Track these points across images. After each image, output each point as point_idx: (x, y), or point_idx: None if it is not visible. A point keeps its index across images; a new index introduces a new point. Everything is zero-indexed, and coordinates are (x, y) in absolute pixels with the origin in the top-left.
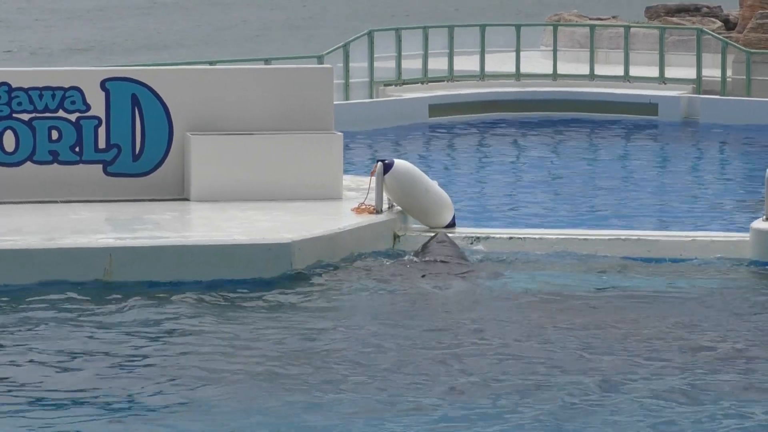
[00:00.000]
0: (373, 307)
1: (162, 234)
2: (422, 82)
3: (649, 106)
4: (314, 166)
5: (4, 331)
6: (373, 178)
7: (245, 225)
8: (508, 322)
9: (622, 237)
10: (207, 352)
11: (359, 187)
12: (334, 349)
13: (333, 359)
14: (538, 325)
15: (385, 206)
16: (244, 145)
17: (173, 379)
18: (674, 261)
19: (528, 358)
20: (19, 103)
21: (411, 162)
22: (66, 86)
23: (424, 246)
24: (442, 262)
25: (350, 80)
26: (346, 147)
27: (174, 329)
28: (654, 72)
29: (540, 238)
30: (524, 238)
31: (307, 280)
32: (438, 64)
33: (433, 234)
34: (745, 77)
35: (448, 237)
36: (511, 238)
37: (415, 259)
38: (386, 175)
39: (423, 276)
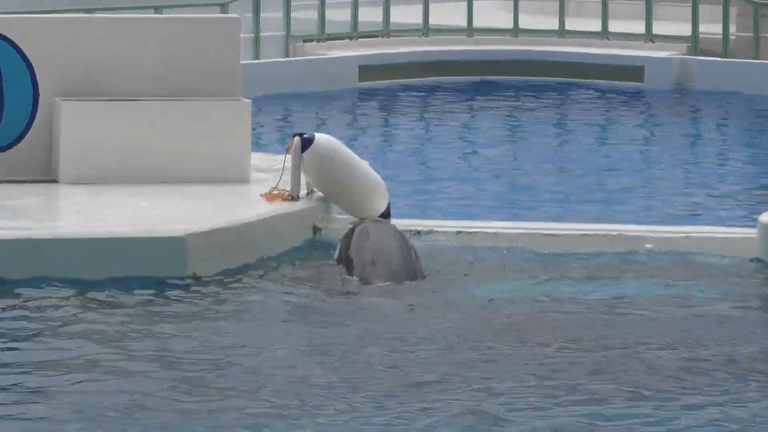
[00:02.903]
0: (283, 319)
1: (22, 224)
2: (351, 38)
3: (633, 70)
4: (216, 142)
5: None
6: (289, 157)
7: (128, 214)
8: (446, 347)
9: (599, 232)
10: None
11: (271, 167)
12: (229, 370)
13: (226, 381)
14: (487, 349)
15: (302, 192)
16: (128, 113)
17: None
18: (663, 261)
19: (469, 394)
20: None
21: (336, 137)
22: None
23: (346, 239)
24: (371, 263)
25: (261, 34)
26: (256, 117)
27: (31, 334)
28: (639, 27)
29: (495, 233)
30: (475, 232)
31: (203, 285)
32: (371, 16)
33: (355, 223)
34: (752, 35)
35: (377, 226)
36: (459, 232)
37: (336, 257)
38: (305, 153)
39: (344, 280)
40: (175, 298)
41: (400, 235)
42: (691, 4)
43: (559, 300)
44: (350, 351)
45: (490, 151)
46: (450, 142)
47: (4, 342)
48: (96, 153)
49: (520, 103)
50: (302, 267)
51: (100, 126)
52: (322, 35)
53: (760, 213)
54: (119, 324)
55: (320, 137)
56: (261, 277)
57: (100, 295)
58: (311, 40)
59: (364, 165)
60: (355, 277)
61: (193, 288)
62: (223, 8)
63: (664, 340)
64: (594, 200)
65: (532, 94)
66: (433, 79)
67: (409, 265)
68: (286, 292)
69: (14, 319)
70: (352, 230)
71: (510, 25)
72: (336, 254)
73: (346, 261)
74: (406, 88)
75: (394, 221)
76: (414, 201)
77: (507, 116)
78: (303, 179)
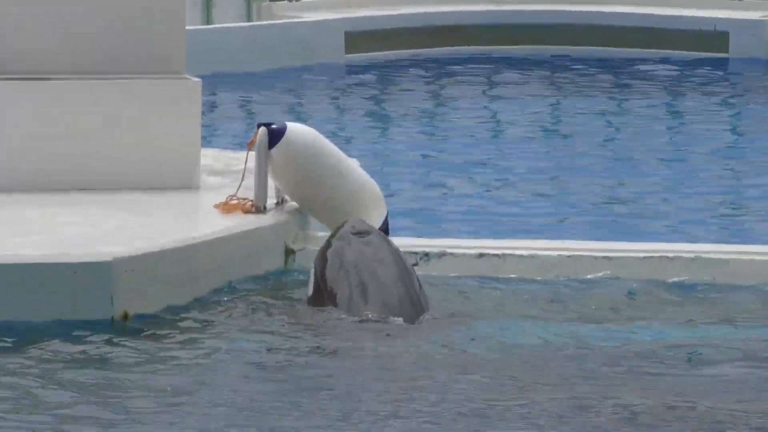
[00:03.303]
0: (244, 376)
1: None
2: None
3: (714, 37)
4: (155, 134)
5: None
6: (252, 154)
7: (40, 231)
8: (464, 411)
9: (667, 254)
10: None
11: (228, 168)
12: None
13: None
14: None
15: (270, 201)
16: (41, 96)
17: None
18: (737, 290)
19: None
20: None
21: (313, 128)
22: None
23: (321, 258)
24: (359, 285)
25: None
26: (208, 102)
27: None
28: None
29: (531, 256)
30: (503, 255)
31: (135, 332)
32: None
33: (337, 229)
34: None
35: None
36: (481, 254)
37: (310, 293)
38: (273, 149)
39: (326, 323)
40: (94, 350)
41: (395, 249)
42: None
43: (611, 351)
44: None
45: (521, 146)
46: (466, 132)
47: None
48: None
49: (557, 82)
50: (269, 304)
51: (4, 114)
52: None
53: None
54: (8, 388)
55: (293, 128)
56: (215, 317)
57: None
58: None
59: (352, 165)
60: (336, 311)
61: (120, 336)
62: None
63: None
64: (653, 216)
65: (571, 69)
66: (443, 50)
67: (409, 288)
68: (249, 340)
69: None
70: (328, 243)
71: None
72: (309, 288)
73: (324, 289)
74: (408, 62)
75: (393, 239)
76: (419, 214)
77: (539, 98)
78: (271, 184)
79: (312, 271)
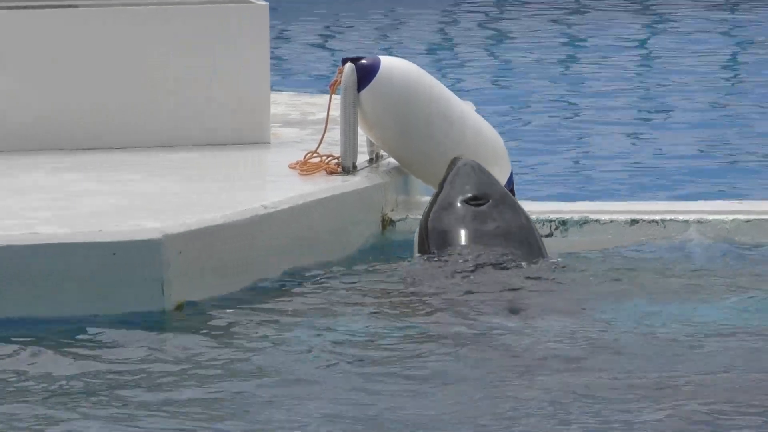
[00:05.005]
0: (338, 371)
1: None
2: None
3: None
4: (210, 75)
5: None
6: (337, 98)
7: (65, 201)
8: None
9: None
10: None
11: (306, 118)
12: None
13: None
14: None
15: (362, 158)
16: (61, 24)
17: None
18: None
19: None
20: None
21: (415, 63)
22: None
23: (428, 226)
24: (492, 264)
25: None
26: (279, 30)
27: None
28: None
29: (701, 221)
30: (661, 221)
31: (201, 321)
32: None
33: (443, 182)
34: None
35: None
36: (633, 221)
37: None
38: (363, 91)
39: (461, 296)
40: (143, 351)
41: (522, 217)
42: None
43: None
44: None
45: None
46: (621, 65)
47: None
48: (15, 99)
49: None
50: (362, 291)
51: (19, 50)
52: None
53: None
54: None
55: (388, 63)
56: (292, 307)
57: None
58: None
59: (466, 109)
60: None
61: (177, 325)
62: None
63: None
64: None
65: None
66: None
67: (534, 243)
68: (337, 328)
69: None
70: (436, 213)
71: None
72: (414, 256)
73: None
74: None
75: (521, 203)
76: (553, 170)
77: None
78: (362, 137)
79: (415, 247)
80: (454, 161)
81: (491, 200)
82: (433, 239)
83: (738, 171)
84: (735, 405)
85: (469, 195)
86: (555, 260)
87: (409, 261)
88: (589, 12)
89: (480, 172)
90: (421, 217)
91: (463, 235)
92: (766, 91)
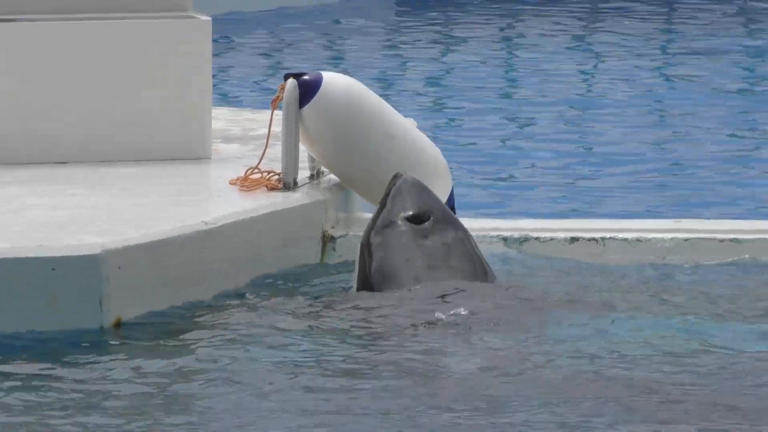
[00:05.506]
0: (276, 391)
1: None
2: None
3: None
4: (153, 89)
5: None
6: (278, 113)
7: (5, 216)
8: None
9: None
10: None
11: (247, 134)
12: None
13: None
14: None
15: (302, 174)
16: (8, 42)
17: None
18: None
19: None
20: None
21: (360, 78)
22: None
23: (371, 245)
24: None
25: None
26: (222, 47)
27: None
28: None
29: (640, 240)
30: (604, 239)
31: (130, 340)
32: None
33: (384, 198)
34: None
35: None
36: (573, 239)
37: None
38: (305, 107)
39: (410, 328)
40: (80, 368)
41: (463, 235)
42: None
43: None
44: None
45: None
46: (561, 77)
47: None
48: None
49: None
50: (299, 310)
51: None
52: None
53: None
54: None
55: (330, 79)
56: (230, 323)
57: None
58: None
59: (410, 126)
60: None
61: (113, 344)
62: None
63: None
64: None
65: None
66: None
67: (476, 259)
68: (278, 344)
69: None
70: (377, 230)
71: None
72: (355, 273)
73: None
74: None
75: (463, 220)
76: (495, 184)
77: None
78: (303, 153)
79: (356, 265)
80: (395, 178)
81: (432, 218)
82: (374, 257)
83: (678, 189)
84: (669, 414)
85: (410, 213)
86: (497, 278)
87: (350, 286)
88: (528, 19)
89: (421, 190)
90: (362, 234)
91: (404, 254)
92: (709, 107)
